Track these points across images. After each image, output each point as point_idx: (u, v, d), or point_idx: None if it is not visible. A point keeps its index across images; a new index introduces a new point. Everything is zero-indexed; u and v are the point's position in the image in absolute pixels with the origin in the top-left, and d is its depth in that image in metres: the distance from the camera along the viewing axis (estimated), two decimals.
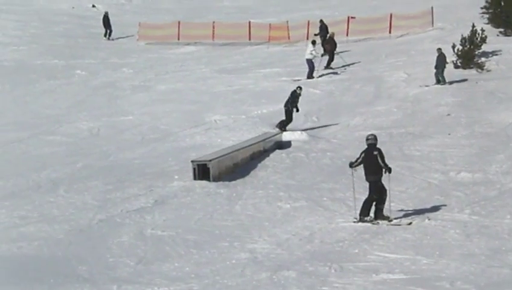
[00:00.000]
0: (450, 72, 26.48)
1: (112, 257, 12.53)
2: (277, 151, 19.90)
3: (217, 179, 17.40)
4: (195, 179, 17.30)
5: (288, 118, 21.76)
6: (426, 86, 25.47)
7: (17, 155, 20.68)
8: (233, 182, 17.32)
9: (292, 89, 22.47)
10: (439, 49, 26.07)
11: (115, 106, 26.47)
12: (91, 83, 30.11)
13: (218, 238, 13.42)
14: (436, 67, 25.71)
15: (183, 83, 29.01)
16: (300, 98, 21.99)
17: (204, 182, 17.10)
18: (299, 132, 21.06)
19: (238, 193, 16.44)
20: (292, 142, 20.33)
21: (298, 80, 27.40)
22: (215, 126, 23.05)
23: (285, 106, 21.95)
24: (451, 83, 25.79)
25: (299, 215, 14.70)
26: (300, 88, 22.22)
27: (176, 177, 17.55)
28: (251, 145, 19.64)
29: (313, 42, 28.76)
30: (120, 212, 15.12)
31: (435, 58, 25.80)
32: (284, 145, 20.35)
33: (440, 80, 25.61)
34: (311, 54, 27.91)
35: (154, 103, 26.47)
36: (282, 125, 21.46)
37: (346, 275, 11.22)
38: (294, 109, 21.85)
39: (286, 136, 20.78)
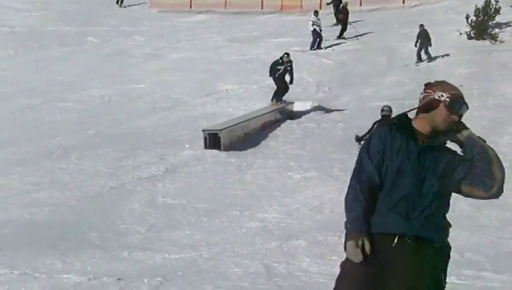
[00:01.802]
0: (463, 43, 26.28)
1: (123, 223, 12.62)
2: (288, 121, 19.90)
3: (228, 148, 17.43)
4: (206, 148, 17.34)
5: (280, 87, 20.70)
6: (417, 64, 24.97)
7: (29, 121, 20.77)
8: (244, 151, 17.34)
9: (285, 58, 20.93)
10: (421, 25, 25.50)
11: (126, 73, 26.48)
12: (103, 51, 30.09)
13: (229, 207, 13.48)
14: (417, 44, 25.08)
15: (195, 52, 28.95)
16: (289, 65, 20.50)
17: (215, 151, 17.14)
18: (310, 102, 21.01)
19: (248, 163, 16.47)
20: (303, 113, 20.30)
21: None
22: (226, 95, 23.04)
23: (270, 75, 20.85)
24: (464, 53, 25.60)
25: (310, 186, 14.72)
26: (288, 54, 20.76)
27: (187, 146, 17.58)
28: (262, 115, 19.64)
29: (315, 12, 28.59)
30: (131, 179, 15.20)
31: (415, 35, 25.26)
32: (295, 115, 20.33)
33: (427, 57, 24.94)
34: (312, 25, 27.79)
35: (166, 72, 26.46)
36: (278, 97, 20.61)
37: None
38: (287, 78, 20.69)
39: (297, 106, 20.75)
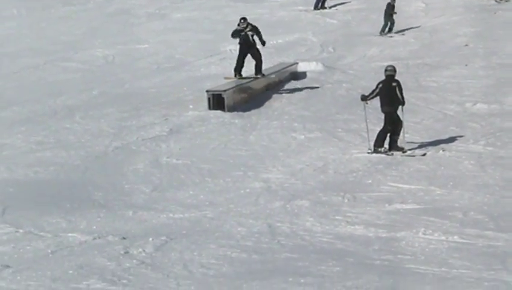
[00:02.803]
0: (468, 2, 26.04)
1: (128, 183, 12.68)
2: (292, 82, 19.81)
3: (232, 109, 17.40)
4: (210, 108, 17.31)
5: (256, 60, 18.37)
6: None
7: (33, 81, 20.74)
8: (248, 112, 17.32)
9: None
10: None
11: (130, 33, 26.33)
12: (106, 10, 29.88)
13: (233, 168, 13.52)
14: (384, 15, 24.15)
15: (199, 12, 28.73)
16: (249, 29, 18.04)
17: (219, 112, 17.12)
18: (314, 63, 20.89)
19: (252, 123, 16.46)
20: (307, 73, 20.20)
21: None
22: (230, 56, 22.90)
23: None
24: (469, 13, 25.35)
25: (313, 146, 14.73)
26: (243, 19, 18.34)
27: (191, 106, 17.57)
28: (266, 75, 19.55)
29: None
30: (136, 140, 15.22)
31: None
32: (299, 76, 20.23)
33: (387, 29, 24.15)
34: None
35: (170, 32, 26.29)
36: (259, 71, 18.53)
37: (359, 204, 11.32)
38: (260, 45, 18.31)
39: (302, 66, 20.63)
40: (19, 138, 15.45)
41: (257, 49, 18.33)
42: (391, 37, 23.92)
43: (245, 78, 18.46)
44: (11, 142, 15.16)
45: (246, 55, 18.28)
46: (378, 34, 23.69)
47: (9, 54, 23.68)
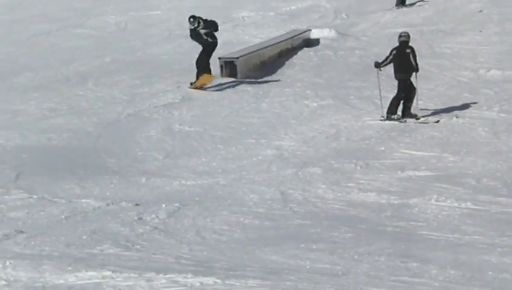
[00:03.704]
0: None
1: (141, 150, 12.72)
2: (305, 49, 19.68)
3: (244, 76, 17.35)
4: (222, 76, 17.27)
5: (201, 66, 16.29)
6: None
7: (45, 47, 20.71)
8: (260, 79, 17.27)
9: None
10: None
11: (141, 0, 26.19)
12: None
13: (245, 135, 13.52)
14: None
15: None
16: (198, 26, 16.29)
17: (231, 79, 17.08)
18: (327, 29, 20.71)
19: (264, 91, 16.42)
20: (320, 40, 20.05)
21: None
22: (242, 23, 22.77)
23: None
24: None
25: (326, 114, 14.69)
26: (192, 18, 16.41)
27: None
28: (279, 42, 19.42)
29: None
30: (148, 107, 15.22)
31: None
32: (312, 43, 20.08)
33: (398, 2, 23.50)
34: None
35: None
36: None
37: (371, 171, 11.32)
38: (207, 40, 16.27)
39: (314, 33, 20.47)
40: (32, 104, 15.49)
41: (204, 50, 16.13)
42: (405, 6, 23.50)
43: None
44: (25, 109, 15.21)
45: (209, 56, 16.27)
46: (395, 7, 23.31)
47: (22, 20, 23.63)
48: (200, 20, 16.43)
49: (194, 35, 16.43)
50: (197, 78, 16.23)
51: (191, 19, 16.45)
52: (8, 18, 23.97)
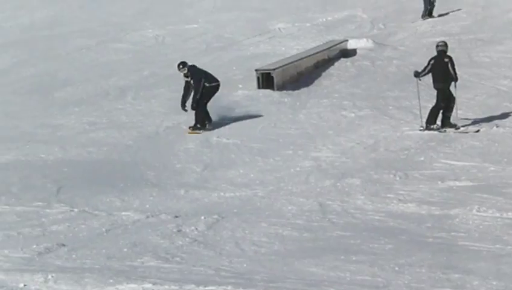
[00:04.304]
0: None
1: (179, 163, 12.80)
2: (342, 59, 19.65)
3: (281, 87, 17.37)
4: (259, 87, 17.31)
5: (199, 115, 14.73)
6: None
7: (85, 62, 21.01)
8: (297, 91, 17.26)
9: None
10: None
11: (179, 13, 26.41)
12: None
13: (282, 147, 13.52)
14: None
15: None
16: (189, 75, 14.67)
17: (268, 91, 17.11)
18: (364, 40, 20.66)
19: (302, 102, 16.41)
20: (357, 50, 20.00)
21: None
22: (279, 34, 22.83)
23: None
24: None
25: (364, 124, 14.63)
26: (181, 65, 14.77)
27: (240, 86, 17.59)
28: (315, 53, 19.42)
29: None
30: (186, 119, 15.31)
31: None
32: (349, 53, 20.05)
33: (424, 13, 23.20)
34: None
35: (219, 11, 26.29)
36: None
37: (411, 182, 11.22)
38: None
39: (351, 43, 20.43)
40: (72, 118, 15.71)
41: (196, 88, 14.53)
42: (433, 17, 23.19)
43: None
44: (65, 123, 15.43)
45: (206, 103, 14.78)
46: (421, 19, 23.09)
47: (62, 36, 24.01)
48: (189, 68, 14.65)
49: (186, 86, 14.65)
50: (197, 124, 14.54)
51: (181, 66, 14.74)
52: (48, 34, 24.39)
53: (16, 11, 26.98)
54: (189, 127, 14.63)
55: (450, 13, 23.16)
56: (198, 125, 14.58)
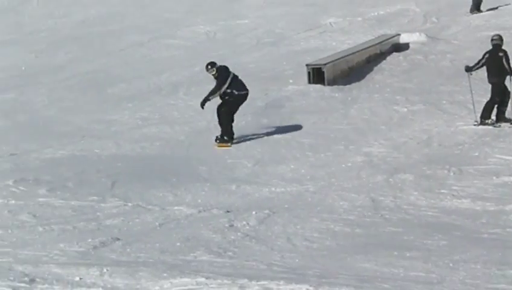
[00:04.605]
0: None
1: (230, 158, 12.85)
2: (394, 53, 19.45)
3: (332, 82, 17.28)
4: (309, 82, 17.26)
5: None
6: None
7: (138, 58, 21.25)
8: (349, 85, 17.15)
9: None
10: None
11: (230, 9, 26.49)
12: None
13: (334, 142, 13.46)
14: None
15: None
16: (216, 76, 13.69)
17: (318, 86, 17.04)
18: (417, 34, 20.41)
19: (353, 97, 16.31)
20: (410, 44, 19.77)
21: None
22: (330, 29, 22.71)
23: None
24: None
25: (417, 119, 14.47)
26: (210, 65, 13.80)
27: (291, 81, 17.56)
28: (367, 48, 19.26)
29: None
30: (237, 114, 15.35)
31: None
32: (401, 47, 19.84)
33: (473, 8, 22.59)
34: None
35: (269, 6, 26.27)
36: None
37: (465, 177, 11.06)
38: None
39: (404, 38, 20.21)
40: (126, 114, 15.91)
41: (223, 106, 13.44)
42: (481, 12, 22.73)
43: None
44: (119, 118, 15.64)
45: (234, 113, 13.63)
46: (469, 13, 22.66)
47: (115, 32, 24.32)
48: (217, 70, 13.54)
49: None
50: (224, 136, 13.45)
51: (209, 66, 13.77)
52: (101, 30, 24.73)
53: (69, 8, 27.42)
54: (216, 140, 13.38)
55: (503, 7, 22.71)
56: (226, 138, 13.34)
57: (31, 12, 27.39)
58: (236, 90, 13.53)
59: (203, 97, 13.66)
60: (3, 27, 25.92)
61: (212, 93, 13.54)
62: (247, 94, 13.64)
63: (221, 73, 13.57)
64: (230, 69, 13.76)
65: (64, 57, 21.97)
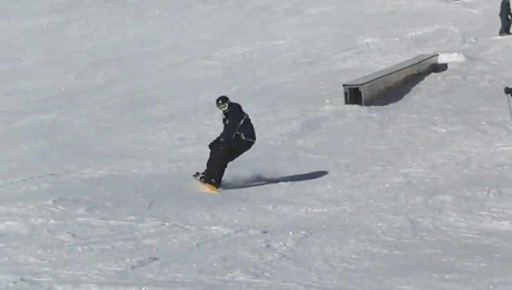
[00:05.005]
0: None
1: (267, 178, 12.84)
2: (432, 74, 19.37)
3: (369, 103, 17.26)
4: (346, 103, 17.27)
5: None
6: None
7: (175, 79, 21.46)
8: (386, 106, 17.10)
9: None
10: None
11: (267, 30, 26.68)
12: (244, 8, 30.38)
13: (371, 162, 13.38)
14: (500, 14, 22.72)
15: (335, 6, 28.62)
16: (226, 113, 12.01)
17: (355, 106, 17.02)
18: (455, 54, 20.33)
19: (390, 117, 16.23)
20: (448, 65, 19.69)
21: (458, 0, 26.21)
22: (367, 49, 22.71)
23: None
24: None
25: (455, 140, 14.34)
26: (222, 100, 12.00)
27: (327, 101, 17.56)
28: (405, 68, 19.24)
29: None
30: (273, 135, 15.38)
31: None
32: (439, 67, 19.76)
33: (502, 30, 22.51)
34: None
35: (306, 27, 26.39)
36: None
37: (505, 199, 10.91)
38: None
39: (442, 58, 20.13)
40: (163, 134, 16.04)
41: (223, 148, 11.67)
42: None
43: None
44: (156, 139, 15.77)
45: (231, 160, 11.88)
46: (499, 35, 22.45)
47: (153, 53, 24.61)
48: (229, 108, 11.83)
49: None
50: (212, 178, 11.70)
51: (220, 101, 11.87)
52: (139, 51, 25.05)
53: (109, 30, 27.85)
54: (201, 178, 11.68)
55: None
56: (213, 181, 11.55)
57: (71, 34, 27.87)
58: (245, 135, 11.65)
59: (224, 136, 11.68)
60: (44, 48, 26.40)
61: (228, 134, 11.59)
62: (253, 143, 11.73)
63: (234, 110, 11.78)
64: (243, 109, 12.02)
65: (103, 78, 22.29)
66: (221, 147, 11.56)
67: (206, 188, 11.61)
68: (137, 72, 22.41)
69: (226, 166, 11.71)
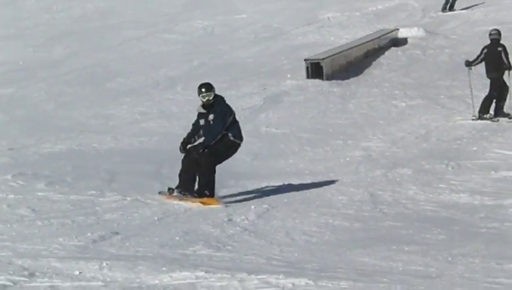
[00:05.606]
0: None
1: None
2: (392, 48, 19.48)
3: (330, 77, 17.32)
4: (308, 77, 17.30)
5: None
6: None
7: (136, 53, 21.24)
8: (347, 80, 17.18)
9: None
10: None
11: (228, 4, 26.48)
12: None
13: (332, 136, 13.48)
14: None
15: None
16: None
17: (317, 81, 17.07)
18: (415, 28, 20.44)
19: (351, 92, 16.33)
20: (408, 39, 19.81)
21: None
22: (328, 24, 22.72)
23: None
24: None
25: (415, 114, 14.49)
26: (207, 86, 9.93)
27: (289, 76, 17.57)
28: (365, 42, 19.31)
29: None
30: (235, 110, 15.28)
31: None
32: (399, 42, 19.88)
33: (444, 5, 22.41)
34: None
35: (267, 1, 26.24)
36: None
37: (463, 172, 11.09)
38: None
39: (402, 32, 20.25)
40: (124, 108, 15.91)
41: (210, 154, 9.69)
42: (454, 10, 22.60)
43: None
44: (117, 113, 15.64)
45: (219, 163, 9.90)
46: (441, 12, 22.53)
47: (113, 27, 24.30)
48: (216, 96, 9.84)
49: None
50: (205, 190, 9.75)
51: (203, 89, 9.80)
52: (99, 25, 24.71)
53: (68, 3, 27.39)
54: (181, 192, 9.69)
55: (505, 1, 22.72)
56: (207, 192, 9.64)
57: (29, 7, 27.35)
58: (233, 136, 9.85)
59: (206, 140, 9.77)
60: (1, 22, 25.88)
61: (215, 132, 9.70)
62: (239, 146, 9.99)
63: (223, 103, 9.90)
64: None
65: (62, 52, 21.95)
66: (205, 150, 9.63)
67: (208, 204, 9.54)
68: (97, 45, 22.12)
69: (215, 172, 9.75)
